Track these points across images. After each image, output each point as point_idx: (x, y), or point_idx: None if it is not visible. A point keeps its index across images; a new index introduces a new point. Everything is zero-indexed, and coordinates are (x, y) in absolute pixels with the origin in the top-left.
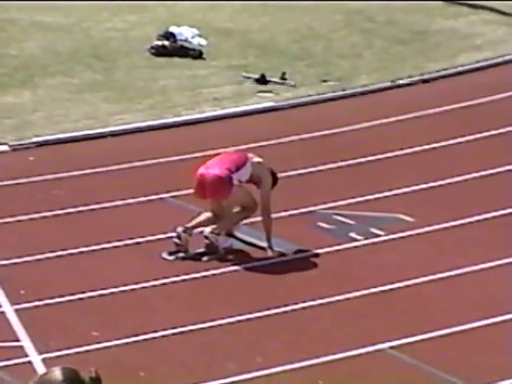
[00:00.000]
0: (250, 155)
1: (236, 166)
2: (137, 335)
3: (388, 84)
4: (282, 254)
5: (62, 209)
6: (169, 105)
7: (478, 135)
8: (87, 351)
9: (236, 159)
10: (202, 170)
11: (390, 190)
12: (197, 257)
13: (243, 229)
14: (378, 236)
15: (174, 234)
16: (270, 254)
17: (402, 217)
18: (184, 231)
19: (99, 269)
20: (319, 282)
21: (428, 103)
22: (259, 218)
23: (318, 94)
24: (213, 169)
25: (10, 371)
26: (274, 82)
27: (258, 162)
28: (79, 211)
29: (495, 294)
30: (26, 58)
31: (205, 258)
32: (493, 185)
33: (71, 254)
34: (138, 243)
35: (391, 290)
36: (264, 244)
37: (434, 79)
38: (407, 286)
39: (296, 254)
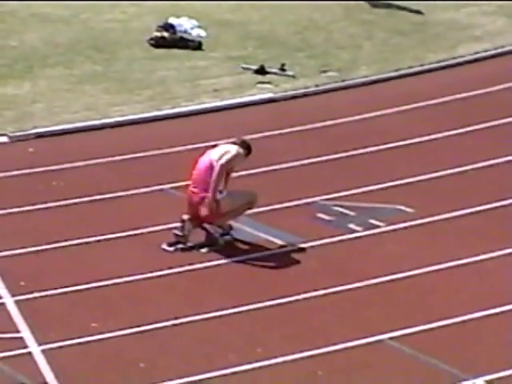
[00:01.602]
0: (214, 158)
1: (215, 184)
2: (137, 326)
3: (388, 75)
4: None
5: (62, 200)
6: (168, 96)
7: (478, 126)
8: (87, 342)
9: (205, 172)
10: (188, 196)
11: (390, 181)
12: (196, 248)
13: (244, 220)
14: (378, 227)
15: (176, 224)
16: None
17: (402, 208)
18: (190, 220)
19: (99, 260)
20: (318, 273)
21: (427, 94)
22: (260, 210)
23: (318, 85)
24: (195, 195)
25: (10, 362)
26: (274, 73)
27: (223, 164)
28: (79, 202)
29: (495, 285)
30: (25, 50)
31: (204, 250)
32: (492, 176)
33: (71, 246)
34: (138, 234)
35: (391, 281)
36: (264, 235)
37: (434, 70)
38: (407, 277)
39: (295, 245)
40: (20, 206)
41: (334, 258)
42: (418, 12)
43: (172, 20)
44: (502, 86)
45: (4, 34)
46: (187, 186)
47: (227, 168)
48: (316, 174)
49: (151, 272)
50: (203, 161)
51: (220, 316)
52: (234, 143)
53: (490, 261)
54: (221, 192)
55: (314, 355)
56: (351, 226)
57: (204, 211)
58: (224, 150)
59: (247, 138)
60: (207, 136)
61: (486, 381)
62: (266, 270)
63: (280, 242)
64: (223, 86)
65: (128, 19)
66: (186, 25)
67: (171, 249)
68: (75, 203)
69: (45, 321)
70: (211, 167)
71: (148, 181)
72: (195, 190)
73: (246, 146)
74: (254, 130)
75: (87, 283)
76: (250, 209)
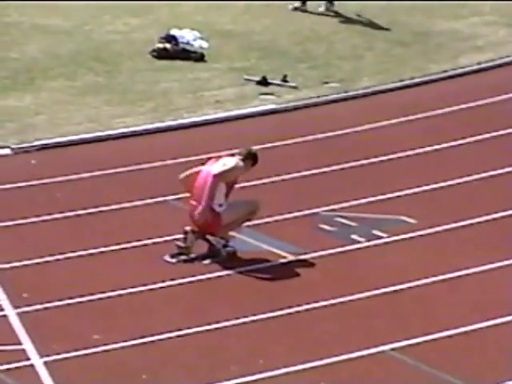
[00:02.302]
0: (213, 172)
1: (209, 194)
2: (139, 338)
3: (389, 86)
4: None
5: (64, 212)
6: (171, 107)
7: (480, 137)
8: (89, 354)
9: (205, 186)
10: (189, 209)
11: (393, 191)
12: (199, 259)
13: (246, 231)
14: (381, 238)
15: (179, 236)
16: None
17: (405, 218)
18: (192, 231)
19: (101, 272)
20: (321, 284)
21: (430, 105)
22: (262, 220)
23: (320, 96)
24: (195, 208)
25: (12, 374)
26: (276, 85)
27: (215, 174)
28: (81, 214)
29: (497, 296)
30: (27, 61)
31: (207, 261)
32: (495, 186)
33: (73, 257)
34: (140, 246)
35: (394, 291)
36: (266, 247)
37: (436, 81)
38: (409, 288)
39: (298, 256)
40: (23, 218)
41: (336, 268)
42: (386, 29)
43: (174, 31)
44: (504, 96)
45: (6, 45)
46: (189, 197)
47: (225, 179)
48: (319, 185)
49: (154, 283)
50: (203, 174)
51: (222, 327)
52: (238, 154)
53: (494, 271)
54: (221, 205)
55: (317, 366)
56: (354, 236)
57: (199, 220)
58: (223, 163)
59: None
60: (210, 147)
61: None
62: (268, 281)
63: (282, 253)
64: (226, 98)
65: (130, 31)
66: (188, 36)
67: (174, 260)
68: (78, 215)
69: (47, 333)
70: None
71: (151, 192)
72: (194, 202)
73: (252, 157)
74: (256, 141)
75: (89, 295)
76: (252, 218)
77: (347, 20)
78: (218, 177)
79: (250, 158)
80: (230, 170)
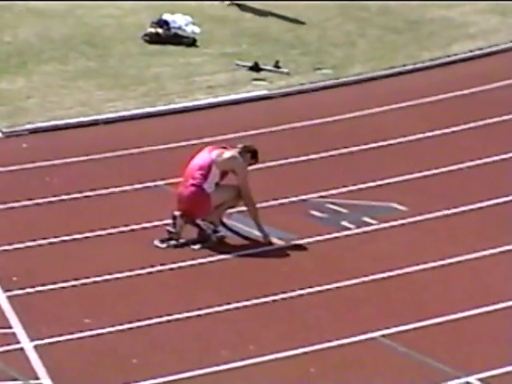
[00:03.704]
0: (213, 157)
1: (203, 174)
2: (129, 322)
3: (382, 73)
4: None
5: (55, 196)
6: (162, 92)
7: (472, 124)
8: (79, 338)
9: (201, 167)
10: (178, 190)
11: (383, 178)
12: (189, 245)
13: (236, 216)
14: (371, 225)
15: (169, 221)
16: (264, 241)
17: (395, 205)
18: (181, 216)
19: (92, 256)
20: (311, 271)
21: (421, 92)
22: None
23: (312, 83)
24: (185, 188)
25: (2, 358)
26: (268, 70)
27: (226, 158)
28: (72, 198)
29: (488, 283)
30: (20, 45)
31: (196, 246)
32: (486, 174)
33: (64, 241)
34: (131, 230)
35: (384, 278)
36: (257, 232)
37: (428, 68)
38: (400, 275)
39: (288, 242)
40: (13, 202)
41: (326, 255)
42: (300, 22)
43: (166, 16)
44: (496, 85)
45: None
46: (180, 182)
47: (223, 169)
48: (309, 172)
49: (144, 268)
50: (201, 157)
51: (213, 313)
52: (240, 148)
53: (484, 259)
54: (210, 188)
55: (307, 352)
56: (344, 223)
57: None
58: (228, 155)
59: (241, 134)
60: (201, 133)
61: (479, 379)
62: (258, 267)
63: (273, 239)
64: (217, 83)
65: (123, 15)
66: (180, 21)
67: (163, 245)
68: (69, 199)
69: (37, 316)
70: (208, 165)
71: (141, 177)
72: (185, 183)
73: (252, 151)
74: (248, 126)
75: (80, 279)
76: (238, 203)
77: (340, 6)
78: (216, 163)
79: (250, 154)
80: (234, 159)
